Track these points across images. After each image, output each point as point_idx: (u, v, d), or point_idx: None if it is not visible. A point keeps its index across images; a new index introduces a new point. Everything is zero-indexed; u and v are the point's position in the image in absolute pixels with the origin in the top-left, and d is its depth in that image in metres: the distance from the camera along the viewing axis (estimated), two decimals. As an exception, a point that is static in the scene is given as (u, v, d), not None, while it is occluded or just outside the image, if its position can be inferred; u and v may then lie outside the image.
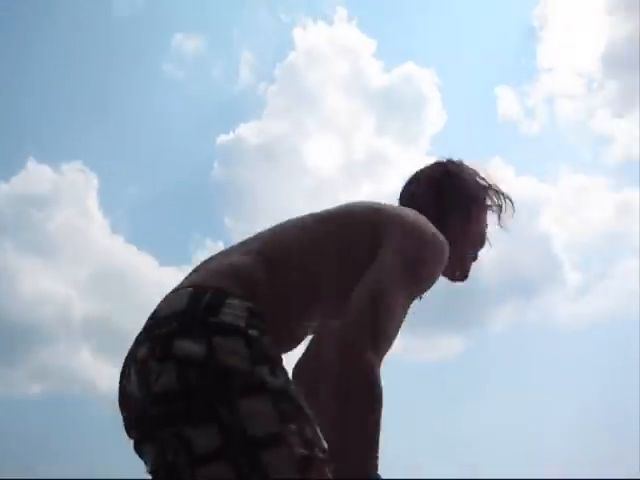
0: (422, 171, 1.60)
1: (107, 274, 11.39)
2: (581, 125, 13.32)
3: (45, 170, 11.55)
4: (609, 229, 13.05)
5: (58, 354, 10.86)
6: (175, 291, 1.19)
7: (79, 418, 9.31)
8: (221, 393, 1.04)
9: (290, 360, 1.32)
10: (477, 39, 14.06)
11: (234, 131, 12.90)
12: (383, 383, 1.14)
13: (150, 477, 1.13)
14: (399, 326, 1.20)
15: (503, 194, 1.58)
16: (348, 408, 1.11)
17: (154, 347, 1.10)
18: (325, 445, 1.08)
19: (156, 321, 1.14)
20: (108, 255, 11.63)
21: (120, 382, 1.18)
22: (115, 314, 10.90)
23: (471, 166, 1.59)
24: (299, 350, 1.42)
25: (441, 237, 1.32)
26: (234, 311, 1.09)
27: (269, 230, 1.33)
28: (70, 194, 11.90)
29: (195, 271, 1.26)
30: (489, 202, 1.57)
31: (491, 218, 1.59)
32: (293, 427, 1.05)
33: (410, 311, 1.25)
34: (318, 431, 1.09)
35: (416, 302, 1.30)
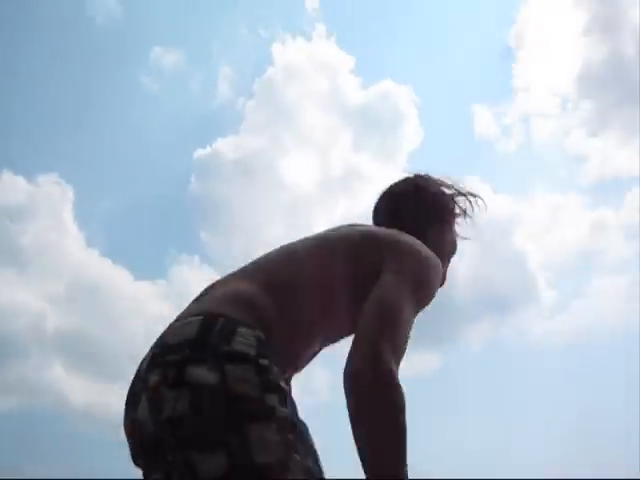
0: (394, 187, 1.66)
1: (81, 287, 11.32)
2: (556, 144, 13.54)
3: (20, 182, 11.46)
4: (584, 247, 13.24)
5: (30, 367, 10.71)
6: (181, 319, 1.20)
7: (49, 433, 9.18)
8: (231, 419, 1.05)
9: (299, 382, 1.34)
10: (454, 58, 14.20)
11: (211, 145, 12.91)
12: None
13: None
14: (407, 340, 1.23)
15: (468, 194, 1.66)
16: (383, 420, 1.11)
17: (166, 373, 1.10)
18: (325, 476, 1.11)
19: (165, 348, 1.14)
20: (83, 268, 11.55)
21: (126, 408, 1.18)
22: (89, 328, 10.82)
23: (436, 178, 1.67)
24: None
25: (434, 255, 1.40)
26: (245, 339, 1.11)
27: (268, 256, 1.36)
28: (45, 206, 11.83)
29: (197, 300, 1.28)
30: (457, 210, 1.66)
31: (461, 223, 1.67)
32: (297, 457, 1.07)
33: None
34: (319, 462, 1.12)
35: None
